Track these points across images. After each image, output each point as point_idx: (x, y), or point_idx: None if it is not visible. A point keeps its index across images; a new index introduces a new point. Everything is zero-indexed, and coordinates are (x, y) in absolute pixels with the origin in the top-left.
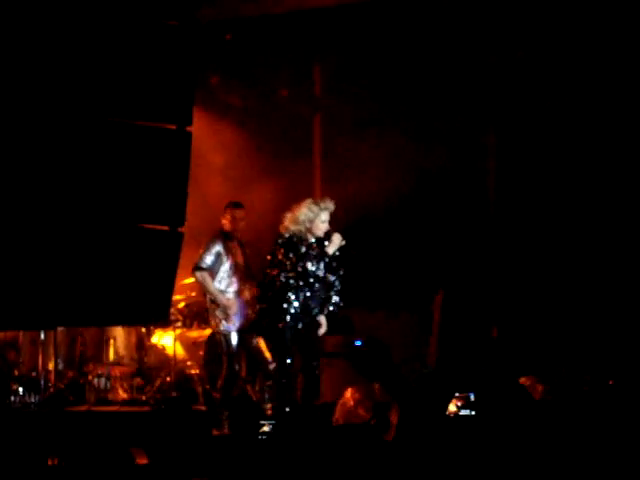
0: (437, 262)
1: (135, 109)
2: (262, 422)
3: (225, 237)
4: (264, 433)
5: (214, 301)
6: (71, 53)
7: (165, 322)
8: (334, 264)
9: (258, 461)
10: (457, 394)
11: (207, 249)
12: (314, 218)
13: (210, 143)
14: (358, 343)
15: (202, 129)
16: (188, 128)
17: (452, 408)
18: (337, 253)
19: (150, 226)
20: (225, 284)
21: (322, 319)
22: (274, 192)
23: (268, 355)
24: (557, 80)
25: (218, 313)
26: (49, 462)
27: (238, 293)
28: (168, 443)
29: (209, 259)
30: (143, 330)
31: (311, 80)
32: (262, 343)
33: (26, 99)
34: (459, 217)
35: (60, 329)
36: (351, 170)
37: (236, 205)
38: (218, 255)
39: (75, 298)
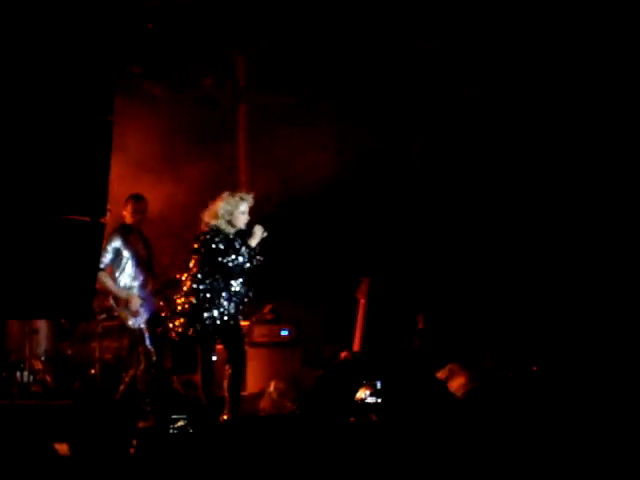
0: (363, 250)
1: (55, 99)
2: (183, 415)
3: (125, 231)
4: (186, 425)
5: (115, 298)
6: None
7: (88, 317)
8: (256, 255)
9: (185, 452)
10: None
11: (104, 248)
12: (233, 210)
13: (133, 133)
14: (285, 333)
15: (125, 119)
16: (109, 117)
17: (361, 395)
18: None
19: (71, 217)
20: (129, 278)
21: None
22: (199, 183)
23: None
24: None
25: (122, 310)
26: None
27: (143, 285)
28: (92, 436)
29: (107, 257)
30: (66, 322)
31: (234, 69)
32: None
33: None
34: (386, 205)
35: None
36: (276, 159)
37: (137, 198)
38: (117, 251)
39: None
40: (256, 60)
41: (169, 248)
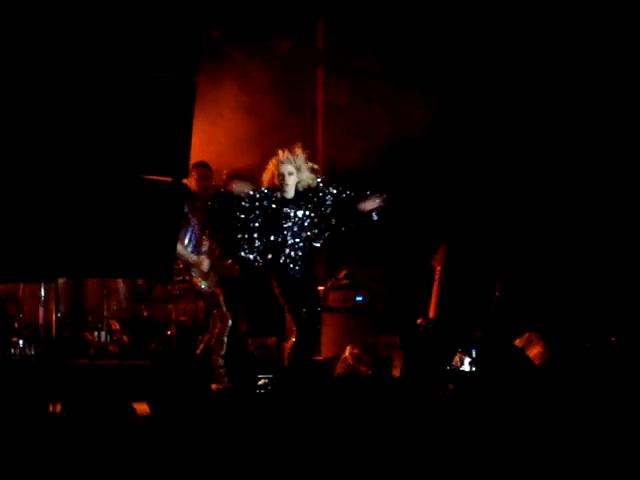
0: (440, 217)
1: (140, 59)
2: (260, 376)
3: (191, 197)
4: (263, 387)
5: (186, 262)
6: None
7: (167, 278)
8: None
9: (258, 415)
10: (459, 350)
11: None
12: (275, 174)
13: (211, 96)
14: (359, 299)
15: (204, 81)
16: (193, 79)
17: (455, 363)
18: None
19: (153, 177)
20: (194, 244)
21: None
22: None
23: None
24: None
25: (193, 273)
26: (50, 410)
27: (210, 252)
28: (169, 396)
29: None
30: (144, 283)
31: (314, 33)
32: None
33: (29, 44)
34: (463, 172)
35: (61, 282)
36: (354, 123)
37: (202, 165)
38: (184, 216)
39: (76, 249)
40: (336, 24)
41: None
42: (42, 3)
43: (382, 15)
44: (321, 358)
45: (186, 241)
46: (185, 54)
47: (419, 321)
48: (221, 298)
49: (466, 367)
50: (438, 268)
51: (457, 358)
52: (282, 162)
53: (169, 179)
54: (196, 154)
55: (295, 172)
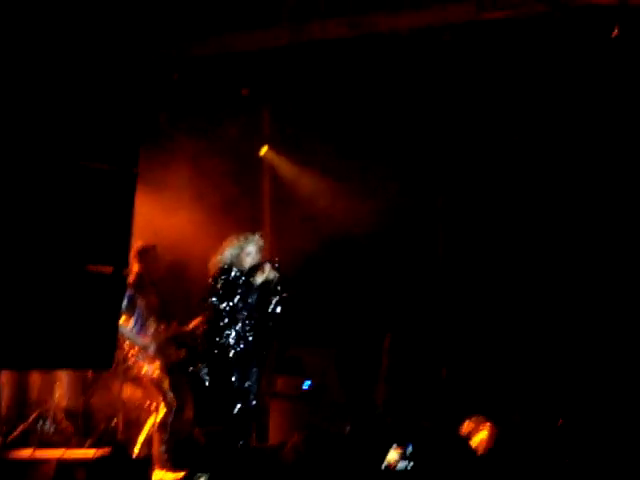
0: (386, 304)
1: (82, 150)
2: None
3: (137, 280)
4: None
5: (131, 345)
6: (24, 93)
7: (107, 365)
8: (269, 297)
9: None
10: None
11: None
12: (238, 252)
13: (158, 180)
14: (307, 384)
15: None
16: (134, 170)
17: (392, 457)
18: (272, 285)
19: (94, 267)
20: (140, 327)
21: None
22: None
23: None
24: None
25: (139, 357)
26: None
27: (156, 335)
28: None
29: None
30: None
31: (260, 120)
32: None
33: None
34: (408, 259)
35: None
36: (301, 210)
37: (148, 248)
38: (130, 298)
39: (18, 340)
40: (281, 112)
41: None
42: None
43: (326, 102)
44: (269, 444)
45: (132, 323)
46: (126, 145)
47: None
48: (166, 383)
49: (401, 465)
50: (384, 356)
51: (393, 453)
52: (249, 241)
53: (109, 269)
54: (142, 237)
55: (254, 253)
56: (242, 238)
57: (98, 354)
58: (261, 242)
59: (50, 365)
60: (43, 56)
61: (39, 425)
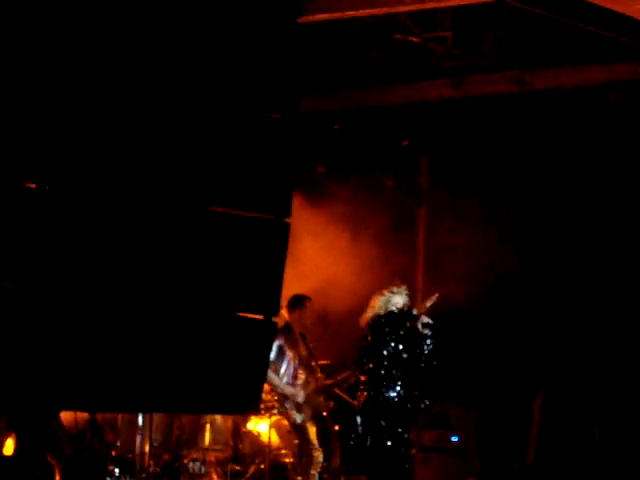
0: (537, 359)
1: (234, 199)
2: None
3: (287, 330)
4: None
5: (281, 393)
6: (173, 141)
7: (255, 411)
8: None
9: None
10: None
11: None
12: (387, 304)
13: (311, 230)
14: (455, 439)
15: (302, 216)
16: (286, 219)
17: None
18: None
19: (245, 314)
20: (290, 376)
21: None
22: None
23: None
24: None
25: (288, 405)
26: None
27: (305, 385)
28: None
29: (271, 355)
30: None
31: (417, 172)
32: None
33: (126, 185)
34: (561, 314)
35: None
36: (453, 262)
37: (308, 299)
38: (280, 348)
39: (169, 384)
40: (438, 161)
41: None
42: (142, 143)
43: (485, 155)
44: None
45: (281, 372)
46: (280, 194)
47: (515, 466)
48: (312, 432)
49: None
50: (536, 413)
51: None
52: (395, 293)
53: (260, 317)
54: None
55: (401, 304)
56: (389, 290)
57: (246, 399)
58: (408, 294)
59: (200, 409)
60: (199, 104)
61: (190, 466)
